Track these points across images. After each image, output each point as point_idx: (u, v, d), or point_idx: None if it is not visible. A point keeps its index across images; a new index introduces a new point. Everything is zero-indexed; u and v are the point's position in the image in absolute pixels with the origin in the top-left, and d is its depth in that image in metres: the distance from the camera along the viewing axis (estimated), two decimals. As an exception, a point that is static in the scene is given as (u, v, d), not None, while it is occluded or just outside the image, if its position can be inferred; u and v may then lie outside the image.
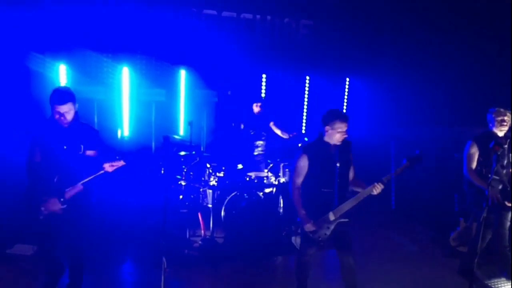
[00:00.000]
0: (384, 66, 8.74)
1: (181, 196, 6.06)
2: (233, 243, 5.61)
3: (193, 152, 6.28)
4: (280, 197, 6.10)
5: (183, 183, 6.03)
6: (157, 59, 7.87)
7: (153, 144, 8.05)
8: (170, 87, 8.13)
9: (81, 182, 3.62)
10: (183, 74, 8.16)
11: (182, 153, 6.21)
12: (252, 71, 8.52)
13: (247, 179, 6.08)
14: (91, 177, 3.65)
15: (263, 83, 8.77)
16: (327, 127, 3.87)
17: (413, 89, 8.56)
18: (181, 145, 6.16)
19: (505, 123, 4.57)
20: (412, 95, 8.59)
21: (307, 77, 9.31)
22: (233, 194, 5.87)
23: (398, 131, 8.50)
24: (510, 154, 4.60)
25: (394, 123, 8.93)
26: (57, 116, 3.56)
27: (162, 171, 6.15)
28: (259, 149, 6.79)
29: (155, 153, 7.97)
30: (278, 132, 6.98)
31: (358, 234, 6.11)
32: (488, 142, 4.23)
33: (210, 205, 5.93)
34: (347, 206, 3.82)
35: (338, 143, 3.88)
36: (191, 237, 5.83)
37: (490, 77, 7.33)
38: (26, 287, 4.43)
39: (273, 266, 5.36)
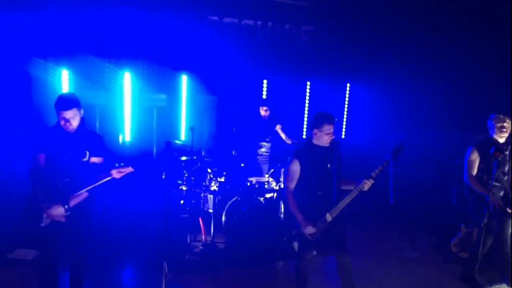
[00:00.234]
0: (385, 72, 8.77)
1: (182, 201, 6.06)
2: (234, 248, 5.61)
3: (194, 157, 6.28)
4: (281, 202, 6.10)
5: (184, 188, 6.04)
6: (159, 64, 7.89)
7: (154, 149, 8.05)
8: (172, 92, 8.14)
9: (87, 188, 3.54)
10: (184, 80, 8.17)
11: (183, 158, 6.21)
12: (253, 77, 8.54)
13: (248, 184, 6.09)
14: (98, 183, 3.56)
15: (264, 89, 8.79)
16: (315, 130, 4.01)
17: (414, 94, 8.58)
18: (183, 150, 6.17)
19: (504, 129, 4.58)
20: (413, 100, 8.61)
21: (308, 83, 9.32)
22: (234, 199, 5.89)
23: (398, 136, 8.49)
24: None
25: (395, 128, 8.93)
26: (62, 122, 3.53)
27: (164, 176, 6.15)
28: (263, 149, 6.86)
29: (156, 158, 7.97)
30: (283, 136, 7.02)
31: (359, 240, 6.12)
32: (489, 148, 4.25)
33: (211, 210, 5.94)
34: (342, 205, 3.87)
35: (327, 145, 3.98)
36: (192, 242, 5.82)
37: (491, 81, 7.33)
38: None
39: (274, 271, 5.35)
